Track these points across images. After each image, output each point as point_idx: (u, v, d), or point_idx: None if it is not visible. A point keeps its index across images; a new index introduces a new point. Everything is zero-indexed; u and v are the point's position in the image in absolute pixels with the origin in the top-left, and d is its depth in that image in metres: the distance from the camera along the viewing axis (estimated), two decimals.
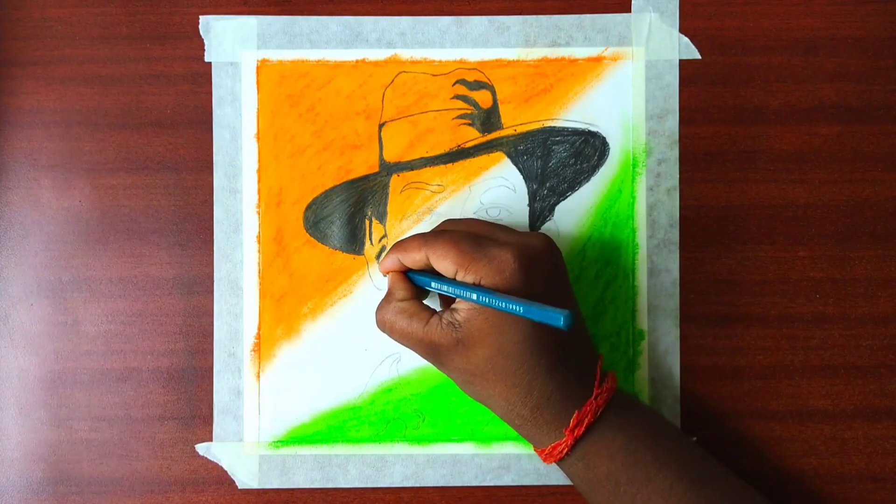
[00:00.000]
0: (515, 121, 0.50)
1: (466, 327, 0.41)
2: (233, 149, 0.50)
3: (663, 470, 0.42)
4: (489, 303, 0.40)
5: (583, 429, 0.41)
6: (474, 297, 0.40)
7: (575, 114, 0.50)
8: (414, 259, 0.43)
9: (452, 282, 0.42)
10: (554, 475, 0.49)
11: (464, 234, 0.43)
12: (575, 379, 0.42)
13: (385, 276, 0.45)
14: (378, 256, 0.50)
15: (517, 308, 0.38)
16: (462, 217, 0.48)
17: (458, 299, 0.42)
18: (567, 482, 0.49)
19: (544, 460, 0.43)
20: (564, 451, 0.42)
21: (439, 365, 0.43)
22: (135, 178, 0.50)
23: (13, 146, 0.50)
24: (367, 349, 0.50)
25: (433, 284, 0.43)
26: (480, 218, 0.49)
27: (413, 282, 0.45)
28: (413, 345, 0.43)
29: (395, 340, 0.44)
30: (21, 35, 0.50)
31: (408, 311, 0.43)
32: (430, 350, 0.43)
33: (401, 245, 0.44)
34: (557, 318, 0.36)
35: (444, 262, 0.42)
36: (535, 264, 0.41)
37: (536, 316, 0.37)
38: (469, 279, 0.41)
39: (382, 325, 0.44)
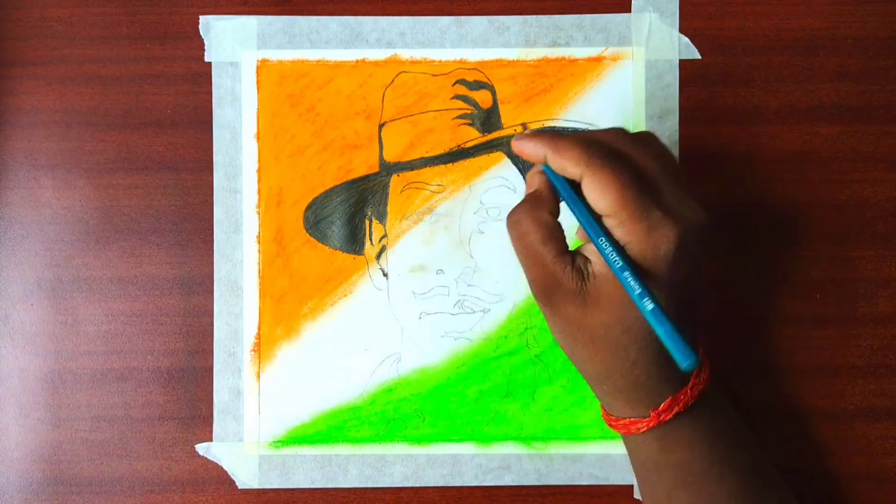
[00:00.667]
0: (515, 121, 0.50)
1: (597, 284, 0.37)
2: (233, 149, 0.50)
3: (734, 472, 0.40)
4: (626, 285, 0.36)
5: (670, 415, 0.39)
6: (616, 271, 0.36)
7: (575, 114, 0.50)
8: (565, 168, 0.38)
9: (596, 226, 0.37)
10: (554, 475, 0.49)
11: (632, 175, 0.37)
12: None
13: (519, 153, 0.40)
14: (378, 256, 0.50)
15: (651, 318, 0.35)
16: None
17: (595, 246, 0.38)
18: (566, 482, 0.49)
19: (612, 427, 0.40)
20: (642, 430, 0.39)
21: (546, 304, 0.39)
22: (135, 178, 0.50)
23: (13, 146, 0.50)
24: (367, 349, 0.50)
25: (577, 213, 0.38)
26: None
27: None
28: (531, 265, 0.39)
29: (515, 249, 0.39)
30: (21, 35, 0.50)
31: (547, 230, 0.38)
32: (544, 283, 0.38)
33: (555, 143, 0.38)
34: (683, 359, 0.34)
35: (598, 197, 0.37)
36: (691, 250, 0.37)
37: (664, 339, 0.35)
38: (619, 234, 0.37)
39: (515, 228, 0.39)
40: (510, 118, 0.50)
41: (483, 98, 0.50)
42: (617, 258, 0.36)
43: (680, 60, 0.50)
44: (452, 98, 0.50)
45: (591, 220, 0.38)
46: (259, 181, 0.50)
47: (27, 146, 0.50)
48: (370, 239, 0.50)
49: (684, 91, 0.50)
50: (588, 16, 0.50)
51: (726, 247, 0.50)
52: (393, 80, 0.50)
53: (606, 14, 0.50)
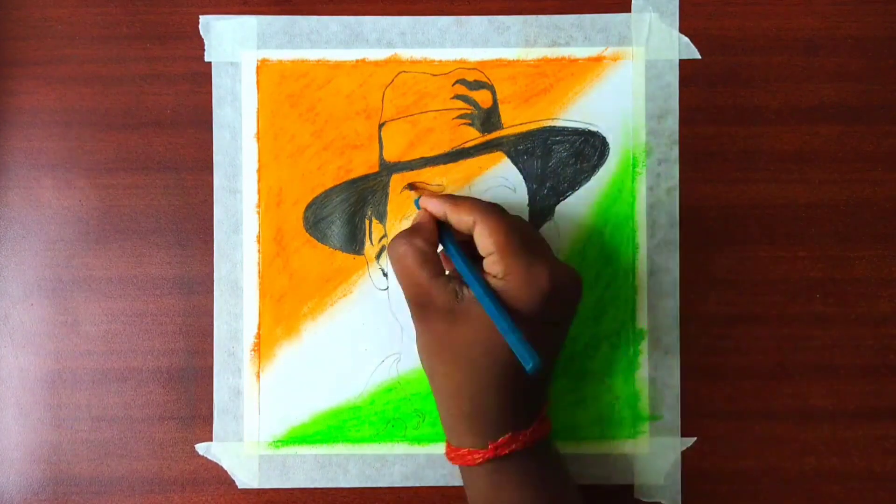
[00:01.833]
0: (515, 121, 0.50)
1: (466, 304, 0.41)
2: (233, 149, 0.50)
3: None
4: (487, 308, 0.40)
5: (506, 451, 0.41)
6: (480, 293, 0.41)
7: (575, 114, 0.50)
8: (460, 219, 0.42)
9: (470, 267, 0.42)
10: None
11: (515, 227, 0.42)
12: (524, 406, 0.43)
13: (421, 208, 0.45)
14: (378, 256, 0.50)
15: (503, 325, 0.39)
16: None
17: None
18: None
19: (449, 457, 0.43)
20: (478, 461, 0.42)
21: (418, 318, 0.43)
22: (135, 178, 0.50)
23: (13, 146, 0.50)
24: (367, 349, 0.50)
25: (453, 254, 0.43)
26: None
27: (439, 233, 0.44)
28: (408, 285, 0.42)
29: (395, 271, 0.43)
30: (21, 35, 0.50)
31: (425, 255, 0.42)
32: (420, 300, 0.42)
33: (454, 201, 0.43)
34: (528, 360, 0.38)
35: (486, 240, 0.41)
36: (561, 296, 0.42)
37: (513, 344, 0.39)
38: (501, 267, 0.41)
39: (394, 251, 0.43)
40: (510, 118, 0.50)
41: (483, 98, 0.50)
42: (481, 280, 0.41)
43: (680, 60, 0.50)
44: (452, 98, 0.50)
45: (461, 252, 0.43)
46: (259, 181, 0.50)
47: (27, 146, 0.50)
48: (370, 239, 0.50)
49: (684, 91, 0.50)
50: (588, 16, 0.50)
51: (726, 247, 0.50)
52: (393, 80, 0.50)
53: (606, 14, 0.50)
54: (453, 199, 0.43)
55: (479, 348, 0.41)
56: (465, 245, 0.44)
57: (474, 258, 0.43)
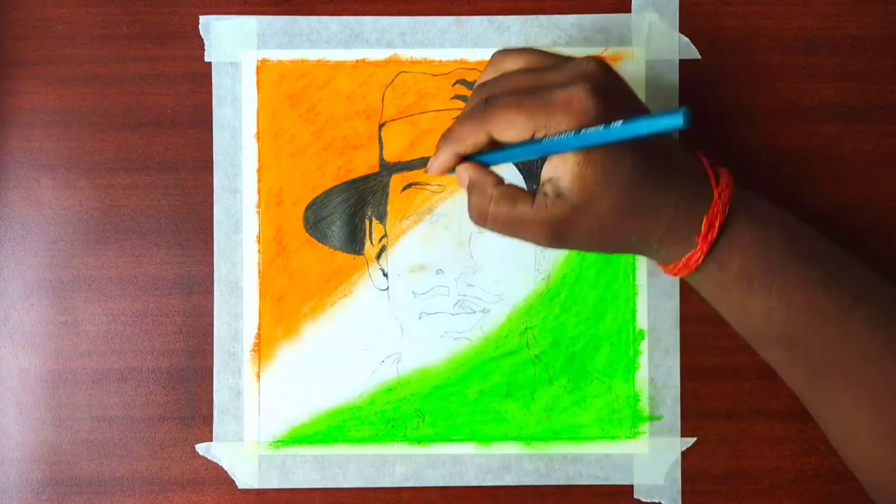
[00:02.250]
0: None
1: (577, 188, 0.38)
2: (233, 149, 0.50)
3: (794, 257, 0.40)
4: (595, 139, 0.35)
5: (715, 232, 0.39)
6: (576, 141, 0.36)
7: None
8: (474, 144, 0.39)
9: (532, 145, 0.38)
10: (554, 475, 0.49)
11: (520, 91, 0.39)
12: (692, 185, 0.40)
13: (438, 174, 0.42)
14: (378, 256, 0.50)
15: (634, 127, 0.34)
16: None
17: (548, 169, 0.39)
18: (566, 482, 0.49)
19: (677, 274, 0.41)
20: (700, 259, 0.39)
21: (560, 241, 0.40)
22: (135, 178, 0.50)
23: (13, 146, 0.50)
24: (367, 349, 0.50)
25: (513, 154, 0.39)
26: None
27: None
28: (524, 230, 0.40)
29: (500, 232, 0.41)
30: (21, 35, 0.50)
31: (508, 196, 0.39)
32: (547, 230, 0.39)
33: (451, 136, 0.40)
34: (678, 117, 0.32)
35: (513, 131, 0.38)
36: (608, 88, 0.38)
37: (654, 126, 0.33)
38: (552, 132, 0.37)
39: (483, 218, 0.40)
40: None
41: None
42: (565, 140, 0.36)
43: (680, 60, 0.50)
44: (452, 98, 0.50)
45: (525, 144, 0.38)
46: (259, 181, 0.50)
47: (27, 146, 0.50)
48: (370, 239, 0.50)
49: (684, 91, 0.50)
50: (588, 16, 0.50)
51: None
52: (393, 80, 0.50)
53: (606, 14, 0.50)
54: (451, 136, 0.40)
55: (624, 195, 0.38)
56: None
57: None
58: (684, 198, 0.40)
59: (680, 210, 0.39)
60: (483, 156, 0.40)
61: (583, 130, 0.36)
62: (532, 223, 0.39)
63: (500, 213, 0.40)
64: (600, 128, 0.35)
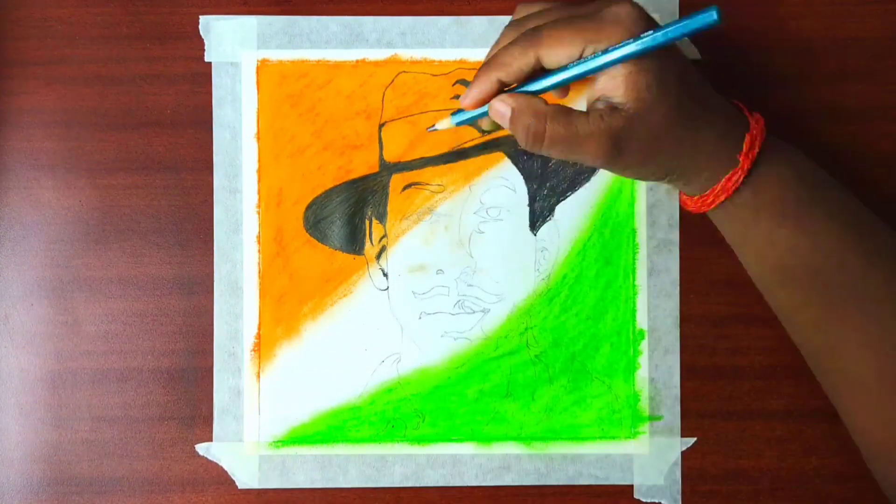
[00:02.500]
0: None
1: (632, 97, 0.38)
2: (233, 149, 0.50)
3: (826, 194, 0.42)
4: (649, 44, 0.37)
5: (756, 149, 0.41)
6: (629, 50, 0.38)
7: None
8: (519, 69, 0.39)
9: (581, 63, 0.39)
10: (554, 475, 0.49)
11: (565, 12, 0.40)
12: (731, 113, 0.42)
13: (473, 105, 0.41)
14: (378, 256, 0.50)
15: (679, 27, 0.37)
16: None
17: (598, 88, 0.39)
18: (566, 482, 0.49)
19: (712, 203, 0.42)
20: (740, 180, 0.40)
21: (617, 156, 0.39)
22: (135, 178, 0.50)
23: (13, 146, 0.50)
24: (367, 349, 0.50)
25: (555, 78, 0.39)
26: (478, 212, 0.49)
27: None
28: (583, 146, 0.39)
29: (555, 153, 0.40)
30: (21, 35, 0.50)
31: (563, 113, 0.39)
32: (606, 142, 0.39)
33: (494, 62, 0.40)
34: (706, 14, 0.37)
35: (562, 50, 0.38)
36: (641, 9, 0.39)
37: (680, 30, 0.37)
38: (603, 46, 0.38)
39: (539, 139, 0.39)
40: None
41: None
42: (614, 51, 0.38)
43: None
44: (452, 98, 0.50)
45: (570, 66, 0.39)
46: (259, 181, 0.50)
47: (27, 146, 0.50)
48: (370, 239, 0.50)
49: None
50: None
51: (726, 247, 0.50)
52: (393, 80, 0.50)
53: None
54: (494, 63, 0.40)
55: (674, 103, 0.39)
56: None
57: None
58: (728, 119, 0.41)
59: (724, 128, 0.41)
60: (521, 87, 0.40)
61: (640, 36, 0.38)
62: (590, 137, 0.39)
63: (558, 131, 0.39)
64: (650, 33, 0.37)
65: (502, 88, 0.40)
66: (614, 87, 0.39)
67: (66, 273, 0.50)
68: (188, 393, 0.49)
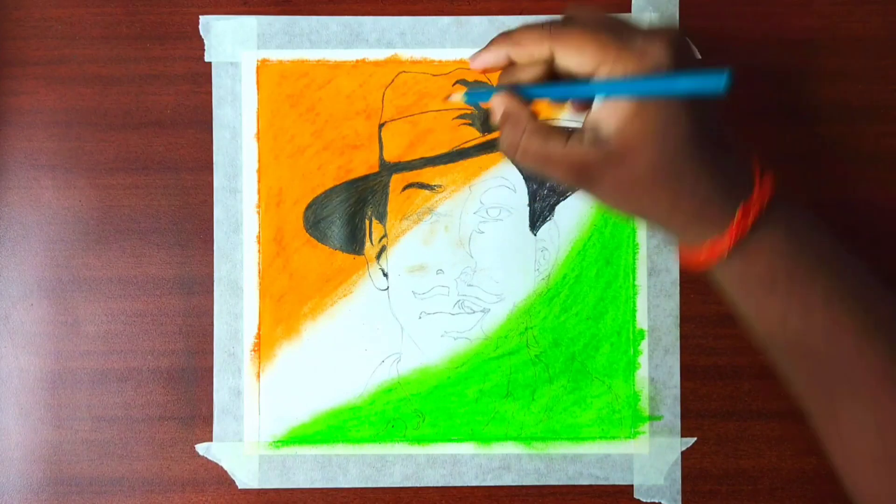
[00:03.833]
0: None
1: (620, 138, 0.36)
2: (233, 149, 0.50)
3: (823, 268, 0.38)
4: (647, 89, 0.35)
5: (749, 222, 0.37)
6: (629, 87, 0.36)
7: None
8: (531, 53, 0.37)
9: (581, 85, 0.37)
10: (554, 475, 0.49)
11: (599, 23, 0.37)
12: (736, 172, 0.38)
13: (479, 68, 0.39)
14: (378, 256, 0.50)
15: (658, 83, 0.35)
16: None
17: (594, 112, 0.37)
18: (566, 482, 0.49)
19: (699, 264, 0.39)
20: (727, 248, 0.37)
21: (588, 185, 0.38)
22: (135, 178, 0.50)
23: (13, 146, 0.50)
24: (367, 349, 0.50)
25: (560, 91, 0.38)
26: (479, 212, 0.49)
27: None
28: (553, 168, 0.38)
29: (529, 167, 0.39)
30: (21, 35, 0.50)
31: (542, 131, 0.38)
32: (575, 171, 0.37)
33: (511, 35, 0.38)
34: (715, 79, 0.34)
35: (579, 57, 0.36)
36: (687, 53, 0.37)
37: (686, 84, 0.35)
38: (614, 72, 0.36)
39: (513, 150, 0.38)
40: None
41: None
42: (619, 84, 0.36)
43: None
44: (446, 98, 0.50)
45: (575, 82, 0.37)
46: (259, 181, 0.50)
47: (27, 146, 0.50)
48: (370, 239, 0.50)
49: None
50: None
51: None
52: (393, 80, 0.50)
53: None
54: (509, 36, 0.38)
55: (665, 156, 0.36)
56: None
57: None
58: (726, 180, 0.38)
59: (717, 191, 0.37)
60: (526, 88, 0.38)
61: (630, 79, 0.35)
62: (561, 161, 0.37)
63: (531, 146, 0.38)
64: (652, 77, 0.35)
65: (510, 63, 0.39)
66: (606, 119, 0.37)
67: (66, 273, 0.50)
68: (188, 393, 0.49)
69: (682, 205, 0.38)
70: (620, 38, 0.36)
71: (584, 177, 0.38)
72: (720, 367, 0.50)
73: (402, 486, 0.49)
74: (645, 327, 0.49)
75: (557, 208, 0.50)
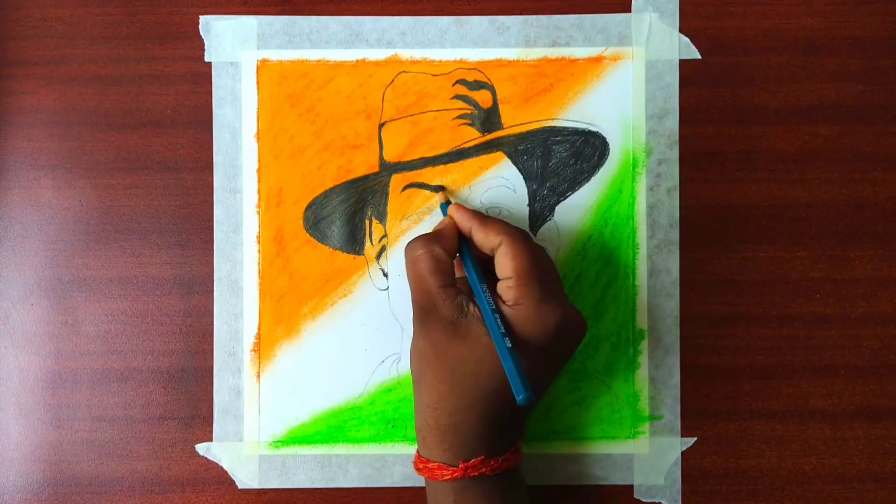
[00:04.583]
0: (515, 121, 0.50)
1: (469, 321, 0.41)
2: (233, 149, 0.50)
3: None
4: (491, 328, 0.40)
5: (476, 473, 0.41)
6: (488, 312, 0.41)
7: (575, 114, 0.50)
8: (486, 238, 0.43)
9: (483, 285, 0.42)
10: (554, 475, 0.49)
11: (538, 259, 0.42)
12: (501, 433, 0.42)
13: (447, 215, 0.45)
14: (378, 256, 0.50)
15: (503, 349, 0.39)
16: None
17: (492, 291, 0.42)
18: (566, 482, 0.49)
19: (417, 467, 0.43)
20: (446, 477, 0.42)
21: (419, 323, 0.43)
22: (135, 178, 0.50)
23: (13, 146, 0.50)
24: (367, 349, 0.50)
25: (469, 268, 0.43)
26: None
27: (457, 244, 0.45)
28: (417, 290, 0.43)
29: (407, 272, 0.44)
30: (21, 35, 0.50)
31: (439, 264, 0.43)
32: (425, 306, 0.42)
33: (483, 219, 0.44)
34: (521, 391, 0.38)
35: (508, 264, 0.42)
36: (565, 337, 0.42)
37: (509, 371, 0.39)
38: (510, 296, 0.41)
39: (411, 253, 0.43)
40: (510, 118, 0.50)
41: (483, 98, 0.50)
42: (491, 301, 0.42)
43: (680, 60, 0.50)
44: (452, 98, 0.50)
45: (477, 269, 0.43)
46: (259, 181, 0.50)
47: (27, 146, 0.50)
48: (370, 239, 0.50)
49: (684, 91, 0.50)
50: (588, 16, 0.50)
51: (726, 247, 0.50)
52: (393, 80, 0.50)
53: (606, 14, 0.50)
54: (483, 217, 0.44)
55: (471, 366, 0.41)
56: (481, 262, 0.44)
57: (488, 278, 0.43)
58: (490, 431, 0.42)
59: (477, 426, 0.41)
60: (468, 256, 0.44)
61: (498, 315, 0.41)
62: (425, 292, 0.42)
63: (420, 261, 0.43)
64: (502, 330, 0.40)
65: (464, 232, 0.45)
66: (475, 303, 0.42)
67: (66, 273, 0.50)
68: (188, 393, 0.49)
69: (444, 409, 0.42)
70: (541, 282, 0.42)
71: (424, 315, 0.42)
72: (720, 367, 0.50)
73: (402, 486, 0.49)
74: (645, 327, 0.49)
75: (557, 208, 0.50)
